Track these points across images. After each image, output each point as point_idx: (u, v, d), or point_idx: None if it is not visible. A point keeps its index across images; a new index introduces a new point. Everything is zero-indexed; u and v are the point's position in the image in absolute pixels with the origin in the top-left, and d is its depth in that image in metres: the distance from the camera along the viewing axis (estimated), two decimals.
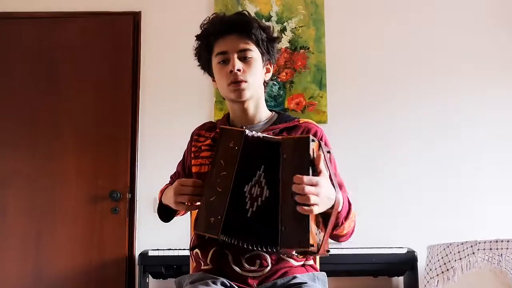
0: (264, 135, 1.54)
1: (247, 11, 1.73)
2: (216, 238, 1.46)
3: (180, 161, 1.84)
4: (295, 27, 3.71)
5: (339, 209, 1.46)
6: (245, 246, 1.45)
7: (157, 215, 1.78)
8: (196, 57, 1.76)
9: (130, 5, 3.75)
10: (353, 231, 1.61)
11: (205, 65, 1.75)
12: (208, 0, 3.73)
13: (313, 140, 1.44)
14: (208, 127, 1.79)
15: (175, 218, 1.82)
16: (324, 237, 1.43)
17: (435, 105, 3.65)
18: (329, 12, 3.72)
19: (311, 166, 1.41)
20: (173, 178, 1.85)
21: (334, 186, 1.44)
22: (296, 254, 1.58)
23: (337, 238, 1.60)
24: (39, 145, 3.60)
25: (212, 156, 1.57)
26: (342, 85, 3.67)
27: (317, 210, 1.38)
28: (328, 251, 1.48)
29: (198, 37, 1.72)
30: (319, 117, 3.59)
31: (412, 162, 3.58)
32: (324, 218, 1.45)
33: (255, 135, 1.52)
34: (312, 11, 3.72)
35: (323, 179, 1.41)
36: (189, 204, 1.57)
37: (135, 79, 3.68)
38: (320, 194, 1.38)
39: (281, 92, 3.64)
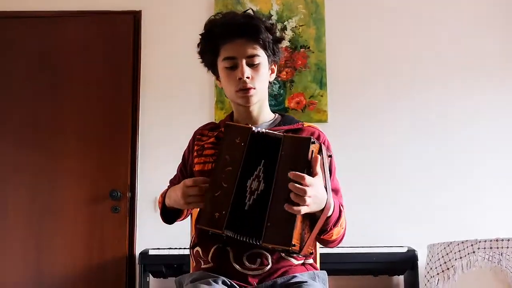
0: (268, 130, 1.54)
1: (252, 10, 1.70)
2: (220, 233, 1.44)
3: (179, 165, 1.83)
4: (296, 26, 3.70)
5: (329, 214, 1.46)
6: (236, 238, 1.44)
7: (162, 219, 1.74)
8: (200, 56, 1.74)
9: (130, 4, 3.75)
10: (342, 237, 1.60)
11: (209, 66, 1.73)
12: None
13: (313, 142, 1.44)
14: (211, 127, 1.79)
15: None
16: (308, 239, 1.43)
17: (436, 104, 3.65)
18: (329, 11, 3.72)
19: (307, 166, 1.42)
20: (173, 182, 1.81)
21: (327, 191, 1.44)
22: (280, 252, 1.54)
23: (325, 243, 1.60)
24: (39, 144, 3.59)
25: (217, 153, 1.56)
26: (343, 84, 3.66)
27: (305, 210, 1.39)
28: (311, 253, 1.48)
29: (203, 37, 1.69)
30: (319, 116, 3.59)
31: (412, 160, 3.58)
32: (311, 220, 1.45)
33: (260, 131, 1.53)
34: (313, 10, 3.72)
35: (317, 180, 1.41)
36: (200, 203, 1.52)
37: (135, 78, 3.68)
38: (312, 196, 1.38)
39: (282, 91, 3.64)
